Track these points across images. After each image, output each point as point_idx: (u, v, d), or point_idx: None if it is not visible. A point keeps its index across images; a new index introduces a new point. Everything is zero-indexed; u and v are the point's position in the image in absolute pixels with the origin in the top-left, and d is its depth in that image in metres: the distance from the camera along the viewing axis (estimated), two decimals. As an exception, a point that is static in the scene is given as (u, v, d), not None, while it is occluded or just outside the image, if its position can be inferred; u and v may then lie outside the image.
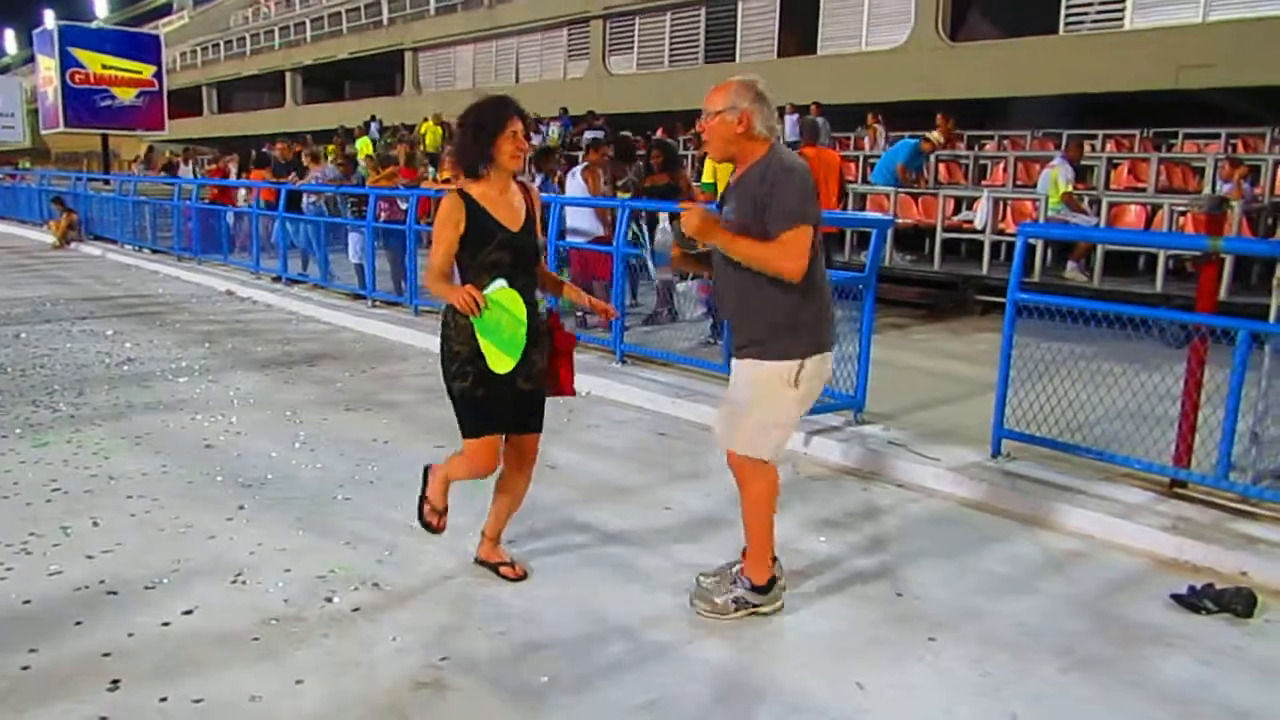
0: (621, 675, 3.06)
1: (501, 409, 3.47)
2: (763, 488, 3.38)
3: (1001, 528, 4.42)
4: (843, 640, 3.32)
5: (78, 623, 3.31)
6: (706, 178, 8.32)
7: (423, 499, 3.83)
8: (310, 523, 4.28)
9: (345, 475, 4.94)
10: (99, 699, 2.86)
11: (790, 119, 15.31)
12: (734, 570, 3.50)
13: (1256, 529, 4.14)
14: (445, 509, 3.83)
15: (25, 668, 3.02)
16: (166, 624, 3.32)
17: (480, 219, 3.36)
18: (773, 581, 3.45)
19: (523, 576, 3.75)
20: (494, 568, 3.77)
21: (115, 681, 2.94)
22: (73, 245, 17.78)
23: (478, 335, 3.35)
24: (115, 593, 3.55)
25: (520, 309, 3.36)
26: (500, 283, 3.33)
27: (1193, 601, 3.58)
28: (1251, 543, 4.00)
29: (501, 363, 3.36)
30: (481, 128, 3.34)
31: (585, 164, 9.41)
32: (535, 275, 3.54)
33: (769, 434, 3.31)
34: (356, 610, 3.45)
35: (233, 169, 18.55)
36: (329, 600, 3.53)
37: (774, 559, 3.46)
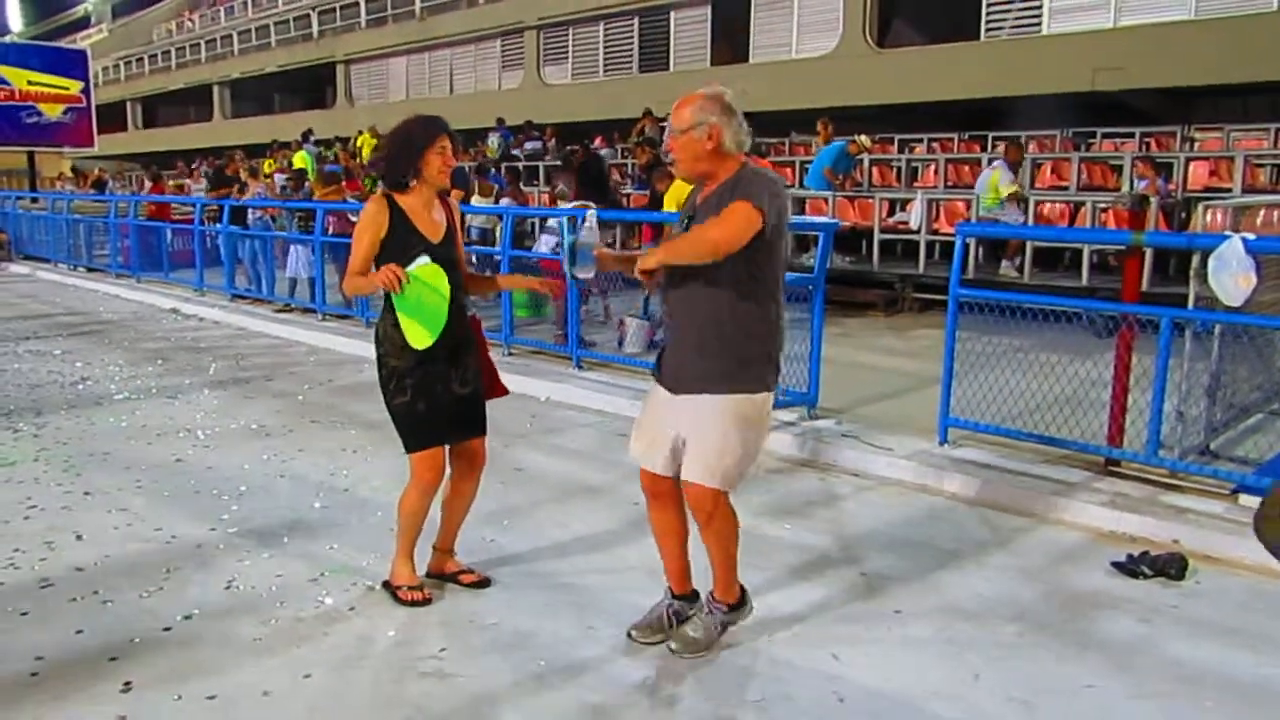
0: (616, 657, 3.26)
1: (442, 418, 3.53)
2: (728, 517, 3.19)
3: (952, 509, 4.71)
4: (816, 617, 3.55)
5: (79, 631, 3.40)
6: (669, 206, 8.50)
7: (392, 590, 3.66)
8: (293, 529, 4.39)
9: (320, 483, 5.05)
10: (114, 700, 2.96)
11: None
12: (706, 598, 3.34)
13: (1185, 501, 4.49)
14: (420, 582, 3.67)
15: (35, 674, 3.11)
16: (168, 629, 3.43)
17: (403, 227, 3.45)
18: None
19: (485, 583, 3.79)
20: (452, 578, 3.78)
21: (127, 683, 3.05)
22: (1, 265, 17.39)
23: (398, 313, 3.40)
24: (110, 601, 3.64)
25: (444, 284, 3.39)
26: (424, 259, 3.39)
27: (1131, 568, 3.90)
28: (1181, 513, 4.34)
29: (421, 338, 3.40)
30: (412, 142, 3.45)
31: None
32: (460, 281, 3.58)
33: (741, 465, 3.13)
34: (352, 609, 3.59)
35: (191, 185, 18.27)
36: (323, 600, 3.66)
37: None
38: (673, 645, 3.27)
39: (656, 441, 3.25)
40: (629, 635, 3.35)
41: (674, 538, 3.36)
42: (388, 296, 3.43)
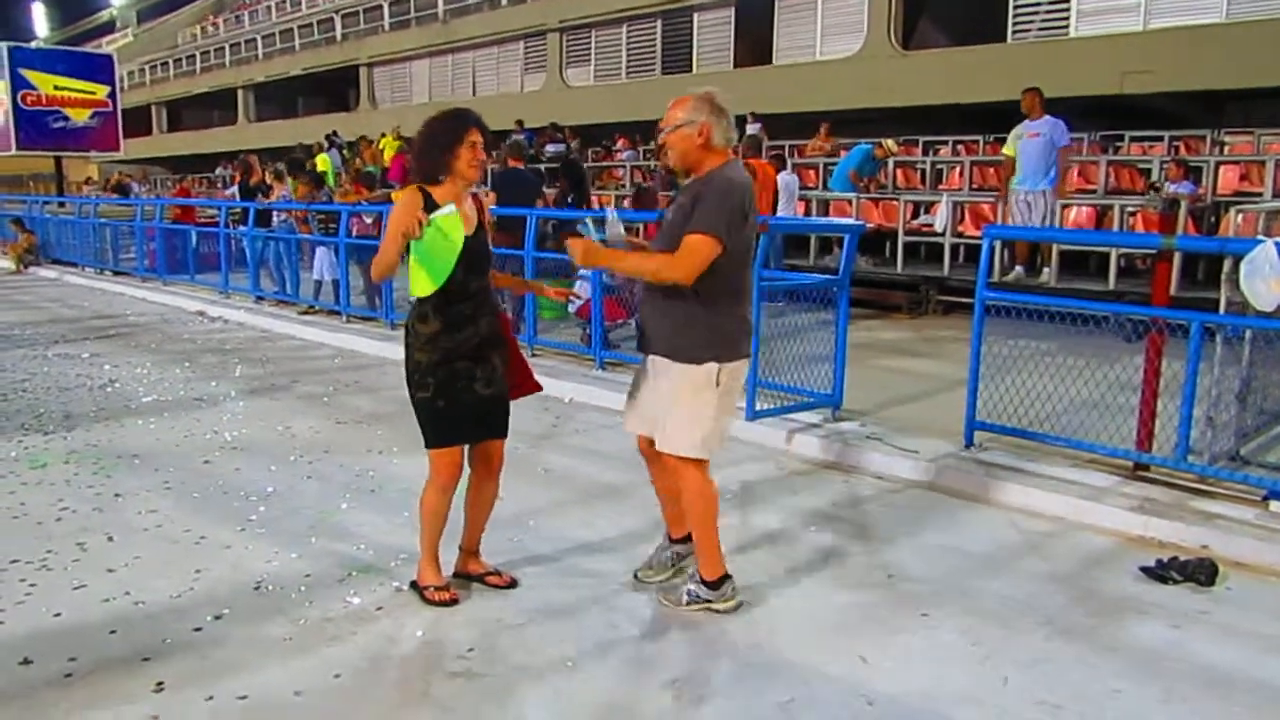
0: (643, 655, 3.27)
1: (463, 417, 3.54)
2: (698, 485, 3.49)
3: (979, 513, 4.68)
4: (843, 620, 3.55)
5: (111, 631, 3.44)
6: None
7: (420, 590, 3.70)
8: (321, 530, 4.43)
9: (346, 485, 5.09)
10: (147, 700, 2.99)
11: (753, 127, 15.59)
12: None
13: (1215, 506, 4.45)
14: (446, 582, 3.71)
15: (68, 675, 3.15)
16: (198, 629, 3.46)
17: None
18: (724, 579, 3.54)
19: (512, 584, 3.80)
20: (479, 579, 3.81)
21: (160, 684, 3.08)
22: (30, 269, 17.60)
23: (411, 258, 3.40)
24: (142, 602, 3.67)
25: (459, 233, 3.37)
26: (449, 208, 3.37)
27: (1160, 573, 3.87)
28: (1210, 519, 4.30)
29: (423, 285, 3.40)
30: (441, 137, 3.46)
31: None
32: (489, 278, 3.64)
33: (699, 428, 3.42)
34: (380, 609, 3.62)
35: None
36: (351, 601, 3.68)
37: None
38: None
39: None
40: (635, 576, 3.80)
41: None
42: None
